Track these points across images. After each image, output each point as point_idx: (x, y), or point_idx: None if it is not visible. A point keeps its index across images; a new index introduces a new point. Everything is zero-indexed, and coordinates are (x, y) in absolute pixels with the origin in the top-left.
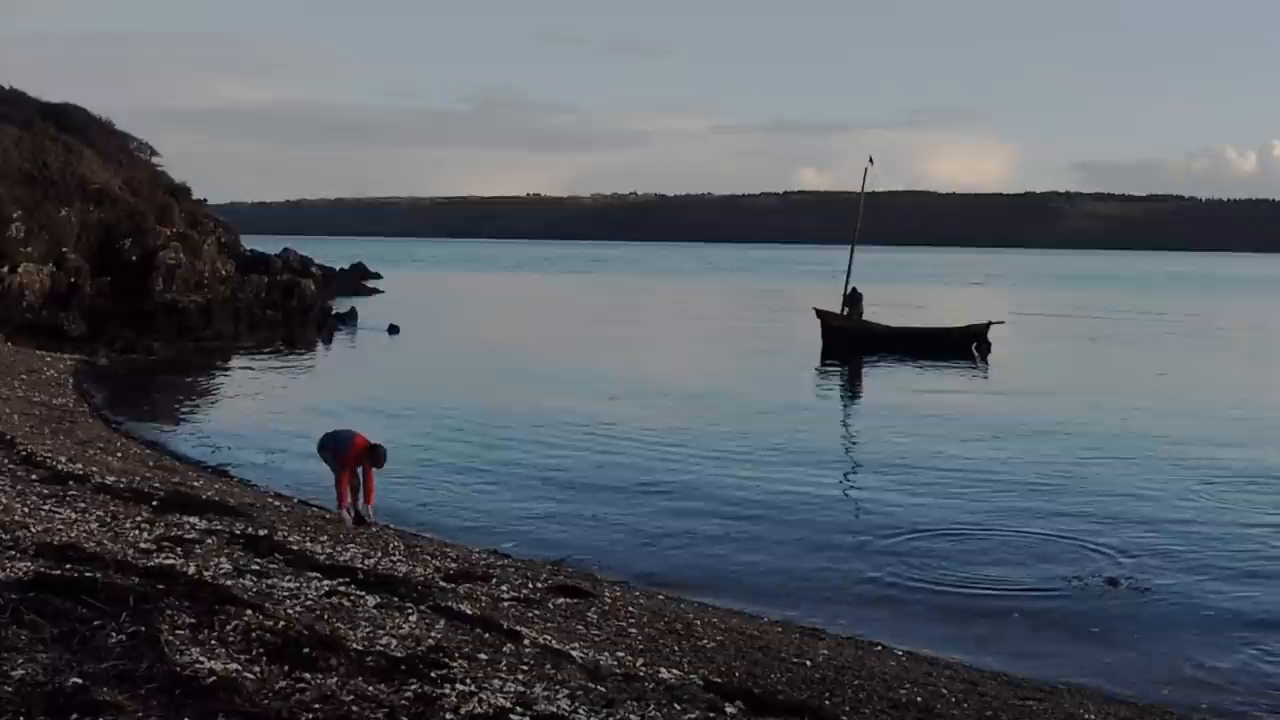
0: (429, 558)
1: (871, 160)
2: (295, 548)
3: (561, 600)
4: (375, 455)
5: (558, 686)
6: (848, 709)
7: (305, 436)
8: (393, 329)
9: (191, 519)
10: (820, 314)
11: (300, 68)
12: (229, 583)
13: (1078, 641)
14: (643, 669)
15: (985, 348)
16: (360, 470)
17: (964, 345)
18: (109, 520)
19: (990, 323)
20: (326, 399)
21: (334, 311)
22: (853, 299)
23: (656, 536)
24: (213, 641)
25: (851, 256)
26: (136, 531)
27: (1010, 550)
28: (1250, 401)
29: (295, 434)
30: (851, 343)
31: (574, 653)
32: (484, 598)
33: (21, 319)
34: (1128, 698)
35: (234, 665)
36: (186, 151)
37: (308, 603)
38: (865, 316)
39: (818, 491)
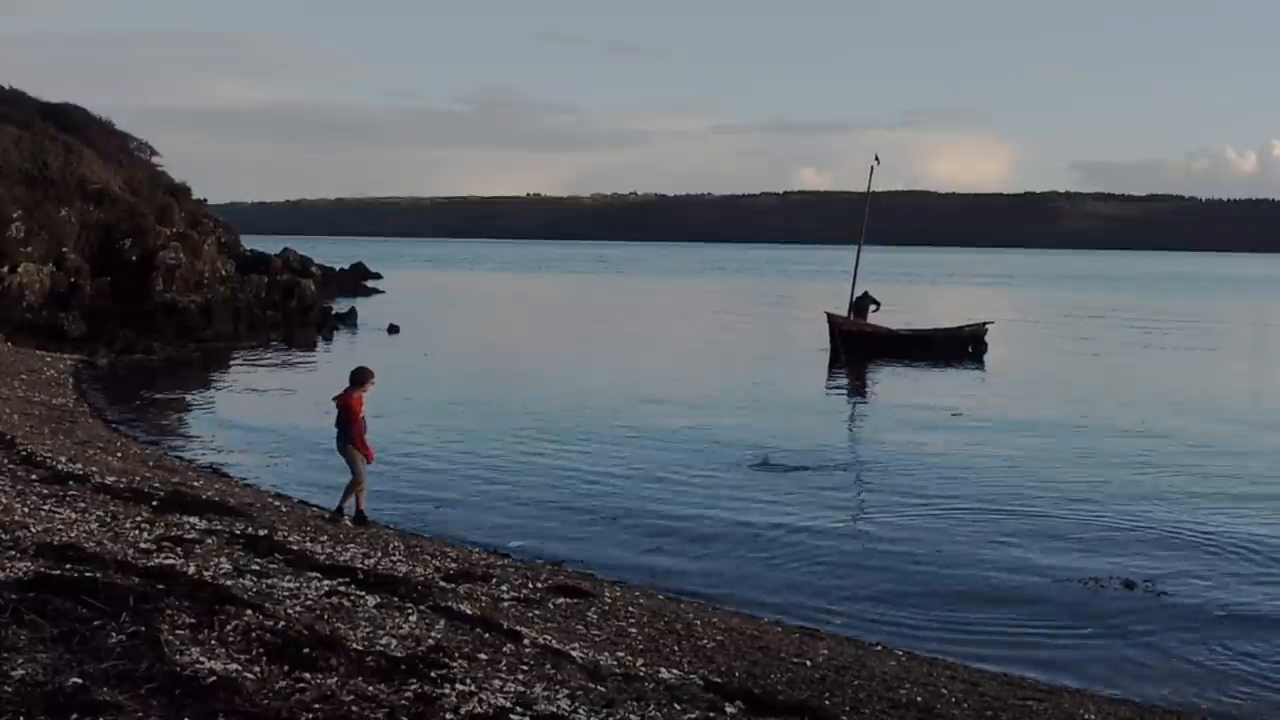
0: (429, 558)
1: (877, 160)
2: (295, 548)
3: (561, 600)
4: (359, 378)
5: (558, 686)
6: (848, 709)
7: (305, 437)
8: (393, 329)
9: (191, 519)
10: (830, 318)
11: (300, 68)
12: (229, 583)
13: (1080, 642)
14: (643, 669)
15: (983, 348)
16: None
17: (964, 346)
18: (109, 520)
19: (987, 323)
20: (326, 399)
21: (334, 311)
22: (860, 303)
23: (656, 536)
24: (213, 641)
25: (858, 259)
26: (136, 531)
27: (1014, 551)
28: (1256, 400)
29: (295, 434)
30: (858, 346)
31: (574, 653)
32: (484, 598)
33: (21, 319)
34: (1128, 698)
35: (234, 665)
36: (186, 151)
37: (308, 603)
38: (880, 321)
39: (818, 492)
